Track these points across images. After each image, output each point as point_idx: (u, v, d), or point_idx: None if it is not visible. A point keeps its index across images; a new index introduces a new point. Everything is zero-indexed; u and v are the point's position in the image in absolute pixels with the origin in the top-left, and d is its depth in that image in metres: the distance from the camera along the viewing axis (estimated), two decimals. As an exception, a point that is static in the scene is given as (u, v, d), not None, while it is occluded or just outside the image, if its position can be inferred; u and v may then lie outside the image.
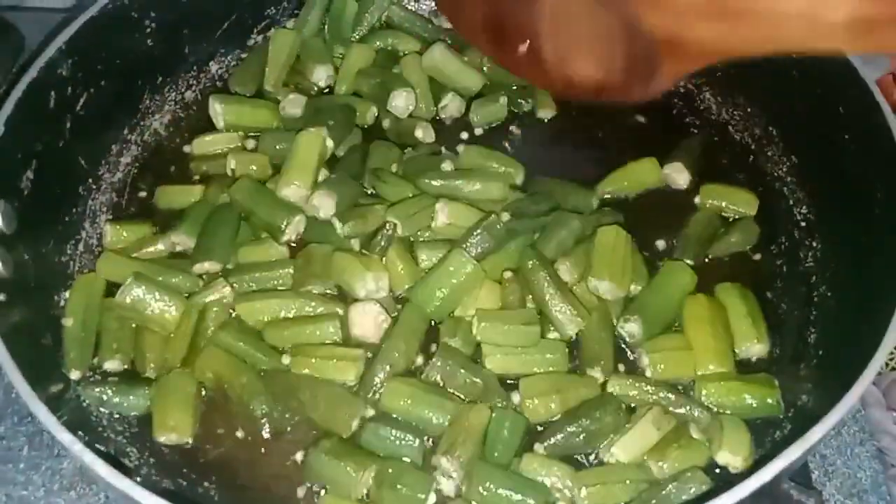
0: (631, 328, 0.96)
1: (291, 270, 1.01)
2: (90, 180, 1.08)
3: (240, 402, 0.91)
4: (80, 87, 1.03)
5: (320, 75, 1.21)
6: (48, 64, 0.96)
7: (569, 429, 0.89)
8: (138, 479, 0.67)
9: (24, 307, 0.89)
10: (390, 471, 0.85)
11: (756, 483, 0.66)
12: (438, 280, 0.95)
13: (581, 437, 0.89)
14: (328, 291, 1.00)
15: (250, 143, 1.16)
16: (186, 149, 1.16)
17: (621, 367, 0.96)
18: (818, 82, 1.02)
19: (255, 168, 1.11)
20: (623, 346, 0.98)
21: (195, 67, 1.22)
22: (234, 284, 0.99)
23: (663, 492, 0.84)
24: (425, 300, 0.95)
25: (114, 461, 0.68)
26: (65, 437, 0.68)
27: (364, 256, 1.00)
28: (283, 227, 1.03)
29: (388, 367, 0.92)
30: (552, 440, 0.89)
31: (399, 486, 0.84)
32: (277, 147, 1.12)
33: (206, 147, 1.16)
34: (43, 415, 0.70)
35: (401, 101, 1.16)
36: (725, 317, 0.97)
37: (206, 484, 0.89)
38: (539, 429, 0.91)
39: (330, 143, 1.09)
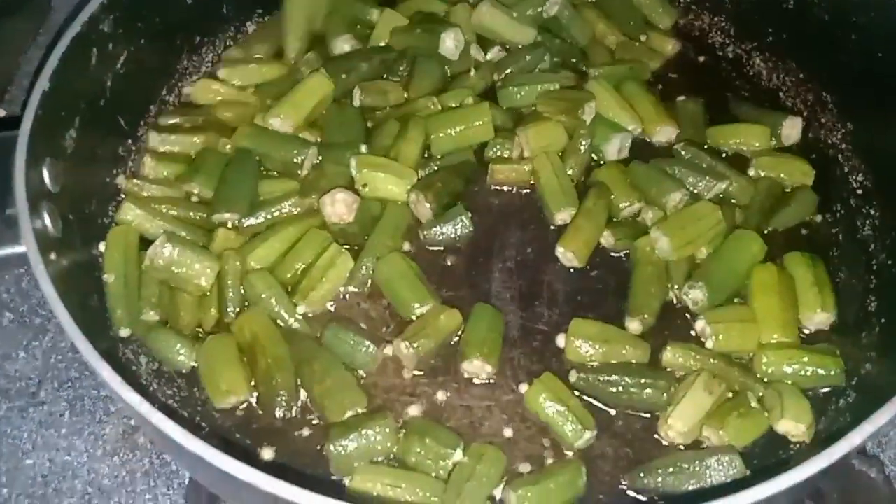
0: (695, 295, 0.94)
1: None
2: (129, 141, 1.06)
3: (267, 371, 0.88)
4: (121, 45, 1.00)
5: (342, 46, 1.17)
6: (91, 19, 0.94)
7: (605, 376, 0.88)
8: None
9: (74, 267, 0.86)
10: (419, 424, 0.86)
11: (847, 446, 0.64)
12: None
13: (616, 388, 0.88)
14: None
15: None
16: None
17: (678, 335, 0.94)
18: (878, 46, 1.00)
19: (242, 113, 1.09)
20: (683, 312, 0.96)
21: (233, 28, 1.19)
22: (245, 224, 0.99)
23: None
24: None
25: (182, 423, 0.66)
26: (133, 397, 0.66)
27: (386, 163, 1.01)
28: (299, 161, 1.03)
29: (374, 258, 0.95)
30: (584, 374, 0.89)
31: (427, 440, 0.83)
32: (274, 92, 1.10)
33: (206, 93, 1.12)
34: (109, 376, 0.67)
35: (450, 42, 1.12)
36: (793, 286, 0.95)
37: (259, 449, 0.87)
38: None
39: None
